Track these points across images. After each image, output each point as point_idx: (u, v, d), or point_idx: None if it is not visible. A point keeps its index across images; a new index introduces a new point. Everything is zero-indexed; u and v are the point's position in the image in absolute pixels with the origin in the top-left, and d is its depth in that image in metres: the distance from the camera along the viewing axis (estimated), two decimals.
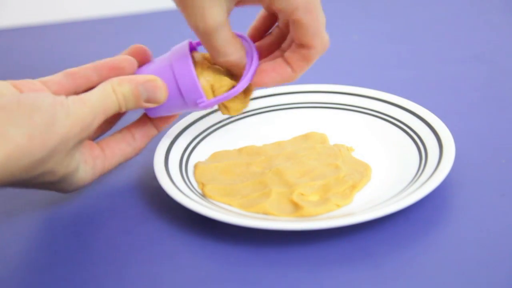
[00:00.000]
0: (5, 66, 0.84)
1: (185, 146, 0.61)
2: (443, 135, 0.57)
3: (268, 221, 0.51)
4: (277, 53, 0.57)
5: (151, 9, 0.95)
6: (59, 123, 0.48)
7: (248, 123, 0.64)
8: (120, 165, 0.57)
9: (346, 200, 0.55)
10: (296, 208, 0.54)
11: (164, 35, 0.88)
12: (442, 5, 0.91)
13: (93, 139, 0.57)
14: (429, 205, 0.54)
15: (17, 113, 0.47)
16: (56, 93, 0.54)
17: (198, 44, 0.57)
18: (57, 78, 0.55)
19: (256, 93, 0.65)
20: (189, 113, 0.63)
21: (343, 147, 0.60)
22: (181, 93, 0.55)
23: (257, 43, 0.58)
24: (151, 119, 0.58)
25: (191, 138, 0.61)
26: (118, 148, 0.56)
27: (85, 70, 0.56)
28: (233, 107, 0.57)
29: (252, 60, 0.55)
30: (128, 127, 0.57)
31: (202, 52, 0.57)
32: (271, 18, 0.58)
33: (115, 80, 0.53)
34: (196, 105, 0.55)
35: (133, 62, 0.56)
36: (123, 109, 0.53)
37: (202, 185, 0.57)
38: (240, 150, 0.62)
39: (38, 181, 0.50)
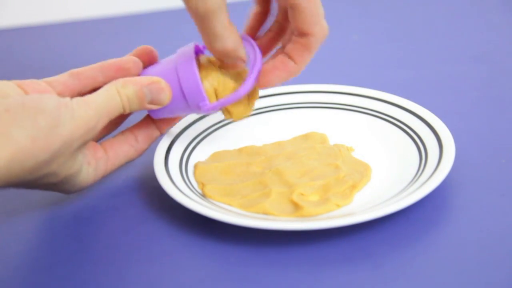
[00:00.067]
0: (6, 66, 0.84)
1: (185, 146, 0.61)
2: (443, 135, 0.57)
3: (268, 221, 0.51)
4: (277, 50, 0.57)
5: (153, 9, 0.95)
6: (63, 125, 0.48)
7: (248, 123, 0.64)
8: (121, 167, 0.57)
9: (346, 200, 0.55)
10: (296, 208, 0.54)
11: (167, 35, 0.88)
12: (442, 5, 0.91)
13: (97, 140, 0.57)
14: (429, 205, 0.54)
15: (21, 115, 0.47)
16: (61, 93, 0.54)
17: (205, 47, 0.56)
18: (63, 78, 0.55)
19: None
20: None
21: (343, 147, 0.60)
22: (184, 96, 0.55)
23: (257, 41, 0.58)
24: (154, 121, 0.58)
25: (191, 138, 0.61)
26: (121, 149, 0.56)
27: (90, 71, 0.56)
28: (236, 112, 0.57)
29: (255, 63, 0.55)
30: (131, 129, 0.57)
31: (208, 55, 0.57)
32: (263, 14, 0.58)
33: (119, 82, 0.53)
34: (199, 108, 0.55)
35: (139, 63, 0.57)
36: (127, 111, 0.53)
37: (202, 185, 0.57)
38: (240, 150, 0.62)
39: (41, 182, 0.50)
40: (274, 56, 0.57)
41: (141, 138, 0.57)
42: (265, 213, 0.54)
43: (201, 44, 0.56)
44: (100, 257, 0.52)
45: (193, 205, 0.52)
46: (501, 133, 0.62)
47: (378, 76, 0.74)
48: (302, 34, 0.54)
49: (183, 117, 0.62)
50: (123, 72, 0.56)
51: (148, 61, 0.58)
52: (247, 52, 0.56)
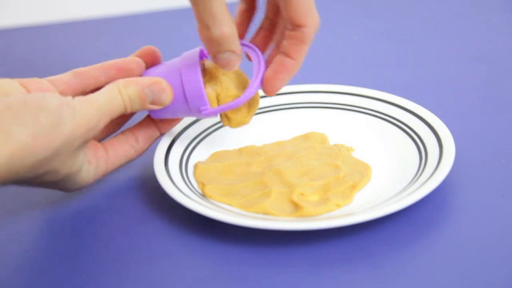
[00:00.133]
0: (7, 66, 0.84)
1: (185, 146, 0.61)
2: (443, 135, 0.57)
3: (268, 221, 0.51)
4: (273, 51, 0.57)
5: (153, 9, 0.95)
6: (65, 124, 0.49)
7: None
8: (121, 167, 0.57)
9: (346, 200, 0.55)
10: (296, 208, 0.54)
11: (168, 35, 0.88)
12: (442, 5, 0.91)
13: (99, 140, 0.57)
14: (429, 205, 0.54)
15: (23, 113, 0.47)
16: (64, 92, 0.55)
17: None
18: (66, 77, 0.55)
19: None
20: None
21: (343, 147, 0.60)
22: (186, 98, 0.55)
23: (252, 41, 0.58)
24: (155, 121, 0.58)
25: (191, 138, 0.61)
26: (121, 149, 0.56)
27: (93, 70, 0.56)
28: (234, 119, 0.58)
29: (259, 70, 0.56)
30: (131, 129, 0.58)
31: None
32: (250, 10, 0.58)
33: (121, 81, 0.53)
34: (199, 112, 0.56)
35: (141, 64, 0.57)
36: (129, 111, 0.54)
37: (202, 185, 0.57)
38: (240, 150, 0.62)
39: (42, 180, 0.50)
40: (271, 59, 0.57)
41: (141, 138, 0.57)
42: (265, 213, 0.54)
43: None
44: (100, 257, 0.52)
45: (193, 205, 0.52)
46: (501, 133, 0.62)
47: (378, 76, 0.74)
48: (296, 26, 0.54)
49: (183, 118, 0.62)
50: (125, 73, 0.56)
51: (151, 62, 0.58)
52: (252, 58, 0.57)
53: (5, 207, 0.57)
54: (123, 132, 0.57)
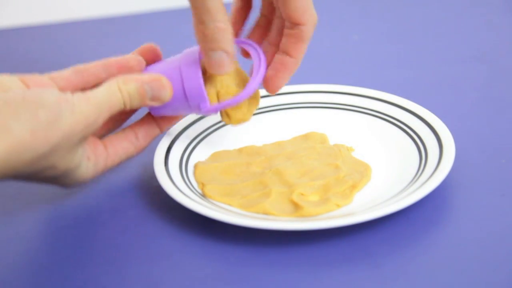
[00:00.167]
0: (7, 66, 0.84)
1: (185, 146, 0.61)
2: (443, 135, 0.57)
3: (268, 221, 0.51)
4: (272, 50, 0.57)
5: (153, 9, 0.95)
6: (64, 120, 0.49)
7: (248, 123, 0.64)
8: (121, 164, 0.57)
9: (346, 200, 0.55)
10: (296, 208, 0.54)
11: (167, 35, 0.87)
12: (442, 5, 0.91)
13: (100, 137, 0.57)
14: (429, 205, 0.54)
15: (21, 109, 0.47)
16: (64, 89, 0.55)
17: None
18: (66, 74, 0.55)
19: None
20: None
21: (343, 147, 0.60)
22: (185, 95, 0.55)
23: (247, 36, 0.58)
24: (155, 119, 0.58)
25: (191, 138, 0.61)
26: (121, 146, 0.56)
27: (94, 68, 0.56)
28: (234, 116, 0.58)
29: (259, 68, 0.56)
30: (132, 126, 0.57)
31: None
32: (245, 8, 0.58)
33: (120, 78, 0.53)
34: (199, 109, 0.56)
35: (142, 61, 0.57)
36: (128, 107, 0.53)
37: (202, 185, 0.57)
38: (240, 150, 0.62)
39: (40, 175, 0.50)
40: (269, 58, 0.57)
41: (141, 136, 0.57)
42: (265, 213, 0.54)
43: None
44: (100, 257, 0.52)
45: (193, 205, 0.52)
46: (501, 133, 0.62)
47: (378, 76, 0.74)
48: (294, 24, 0.54)
49: (184, 116, 0.62)
50: (126, 70, 0.56)
51: (152, 59, 0.58)
52: (252, 55, 0.57)
53: (5, 207, 0.57)
54: (123, 129, 0.57)
